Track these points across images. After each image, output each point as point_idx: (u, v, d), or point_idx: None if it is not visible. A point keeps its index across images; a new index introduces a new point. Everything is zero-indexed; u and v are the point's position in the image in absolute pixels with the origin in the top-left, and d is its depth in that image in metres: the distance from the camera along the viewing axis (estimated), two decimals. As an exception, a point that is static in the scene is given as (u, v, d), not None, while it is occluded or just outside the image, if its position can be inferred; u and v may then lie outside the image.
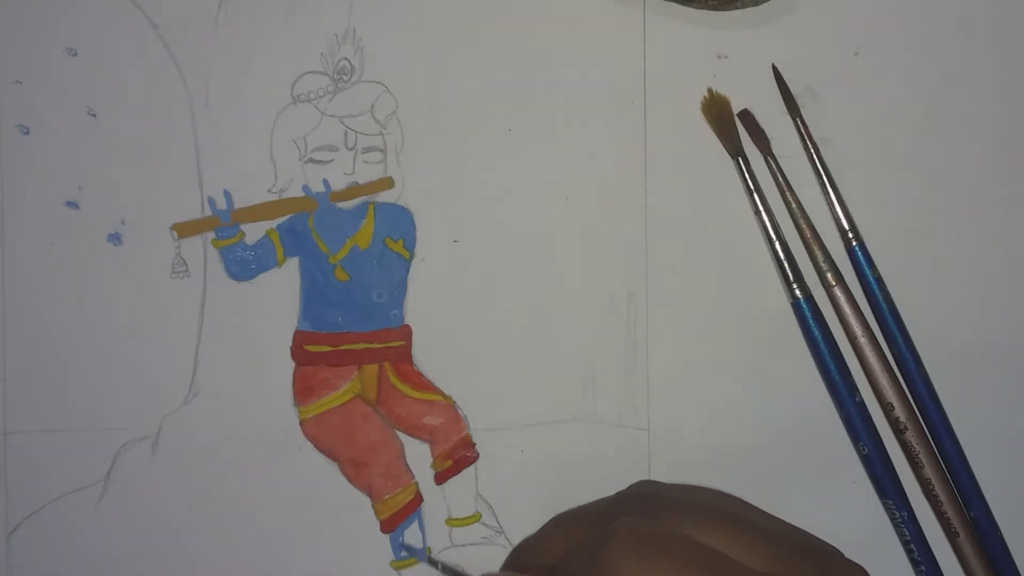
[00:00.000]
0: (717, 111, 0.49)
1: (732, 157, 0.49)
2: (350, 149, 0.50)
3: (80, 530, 0.49)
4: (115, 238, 0.49)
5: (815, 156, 0.49)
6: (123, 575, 0.49)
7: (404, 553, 0.49)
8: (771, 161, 0.49)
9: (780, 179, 0.49)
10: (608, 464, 0.49)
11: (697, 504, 0.42)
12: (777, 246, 0.48)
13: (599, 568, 0.39)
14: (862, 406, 0.48)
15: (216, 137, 0.49)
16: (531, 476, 0.49)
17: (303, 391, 0.49)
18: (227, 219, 0.49)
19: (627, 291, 0.50)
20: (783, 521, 0.42)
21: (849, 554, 0.41)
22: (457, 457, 0.49)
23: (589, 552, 0.40)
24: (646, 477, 0.49)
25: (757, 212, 0.49)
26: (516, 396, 0.49)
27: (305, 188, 0.49)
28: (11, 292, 0.49)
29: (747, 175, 0.49)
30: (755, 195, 0.49)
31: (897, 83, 0.50)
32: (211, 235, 0.49)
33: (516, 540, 0.49)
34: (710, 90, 0.49)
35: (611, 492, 0.46)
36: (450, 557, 0.49)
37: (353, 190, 0.50)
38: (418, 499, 0.49)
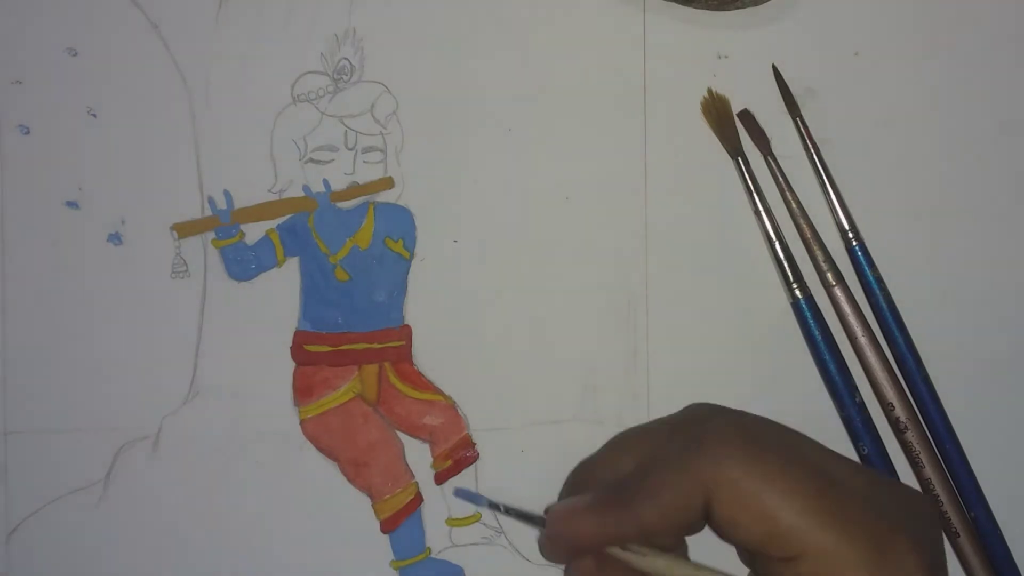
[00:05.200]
0: (717, 111, 0.49)
1: (732, 157, 0.49)
2: (350, 149, 0.50)
3: (80, 530, 0.49)
4: (115, 238, 0.49)
5: (815, 156, 0.49)
6: (123, 575, 0.49)
7: (461, 499, 0.48)
8: (771, 161, 0.49)
9: (780, 179, 0.49)
10: (608, 464, 0.49)
11: (771, 421, 0.40)
12: (777, 246, 0.48)
13: (701, 458, 0.37)
14: (862, 406, 0.48)
15: (216, 137, 0.49)
16: (531, 476, 0.49)
17: (303, 391, 0.49)
18: (227, 219, 0.49)
19: (627, 291, 0.50)
20: None
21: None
22: (457, 457, 0.49)
23: (688, 443, 0.37)
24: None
25: (757, 212, 0.49)
26: (516, 396, 0.49)
27: (305, 188, 0.49)
28: (11, 292, 0.49)
29: (747, 175, 0.49)
30: (755, 195, 0.49)
31: (897, 83, 0.50)
32: (211, 235, 0.49)
33: (516, 540, 0.49)
34: (710, 90, 0.49)
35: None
36: (452, 556, 0.49)
37: (353, 190, 0.50)
38: (418, 499, 0.49)
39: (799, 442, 0.38)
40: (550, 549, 0.41)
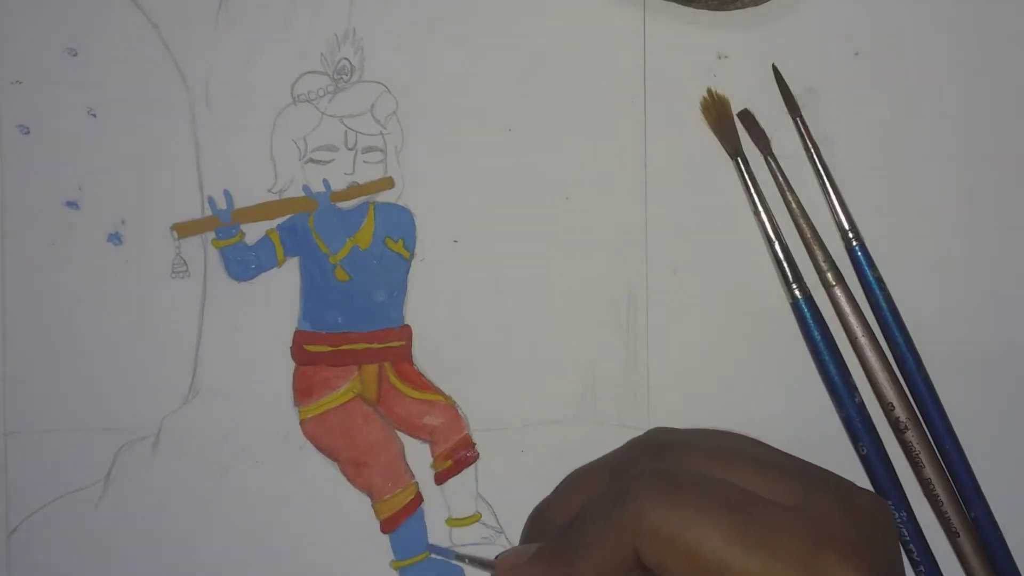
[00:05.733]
0: (716, 111, 0.49)
1: (731, 158, 0.49)
2: (350, 149, 0.50)
3: (80, 530, 0.49)
4: (115, 238, 0.49)
5: (815, 156, 0.49)
6: (123, 575, 0.49)
7: (434, 556, 0.49)
8: (771, 161, 0.49)
9: (780, 179, 0.49)
10: (608, 464, 0.49)
11: (714, 445, 0.42)
12: (776, 246, 0.48)
13: (624, 511, 0.39)
14: (861, 406, 0.48)
15: (216, 137, 0.49)
16: (531, 476, 0.49)
17: (303, 391, 0.49)
18: (227, 219, 0.49)
19: (627, 291, 0.49)
20: (797, 458, 0.43)
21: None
22: (457, 457, 0.49)
23: (613, 496, 0.40)
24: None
25: (756, 212, 0.49)
26: (516, 396, 0.49)
27: (305, 188, 0.49)
28: (11, 292, 0.49)
29: (746, 175, 0.49)
30: (754, 195, 0.49)
31: (897, 83, 0.50)
32: (211, 235, 0.49)
33: (516, 540, 0.49)
34: (709, 90, 0.49)
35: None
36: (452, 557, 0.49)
37: (353, 190, 0.50)
38: (418, 499, 0.49)
39: (716, 481, 0.40)
40: None
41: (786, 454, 0.43)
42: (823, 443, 0.49)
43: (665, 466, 0.41)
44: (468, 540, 0.49)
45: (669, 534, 0.38)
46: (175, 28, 0.49)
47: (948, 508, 0.48)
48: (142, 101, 0.49)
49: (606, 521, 0.39)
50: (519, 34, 0.49)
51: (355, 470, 0.49)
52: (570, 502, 0.44)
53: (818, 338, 0.48)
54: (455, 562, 0.49)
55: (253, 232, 0.49)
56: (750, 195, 0.49)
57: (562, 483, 0.45)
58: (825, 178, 0.49)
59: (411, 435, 0.50)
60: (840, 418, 0.48)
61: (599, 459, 0.46)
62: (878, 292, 0.48)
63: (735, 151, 0.49)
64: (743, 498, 0.39)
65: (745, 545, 0.37)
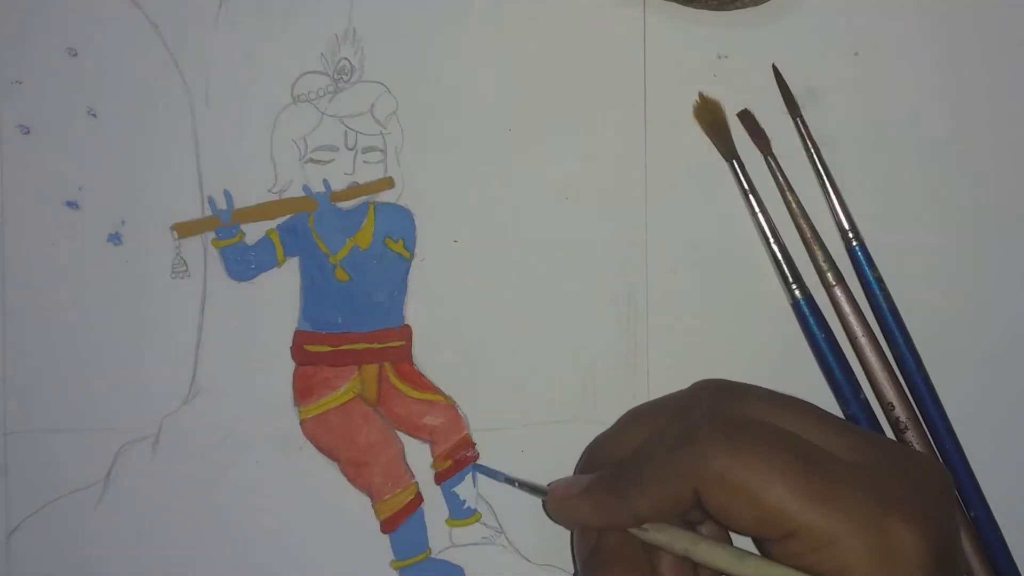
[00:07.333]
0: (709, 116, 0.49)
1: (726, 160, 0.49)
2: (350, 149, 0.50)
3: (80, 530, 0.49)
4: (115, 238, 0.49)
5: (815, 156, 0.49)
6: (123, 575, 0.49)
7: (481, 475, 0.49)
8: (771, 161, 0.49)
9: (780, 179, 0.49)
10: (608, 464, 0.49)
11: (780, 397, 0.42)
12: (775, 247, 0.48)
13: (690, 453, 0.39)
14: (866, 404, 0.48)
15: (216, 137, 0.49)
16: (531, 476, 0.49)
17: (303, 391, 0.49)
18: (227, 219, 0.49)
19: (627, 291, 0.50)
20: (856, 424, 0.43)
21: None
22: (457, 457, 0.49)
23: (679, 438, 0.40)
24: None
25: (754, 214, 0.49)
26: (516, 396, 0.49)
27: (305, 188, 0.49)
28: (11, 292, 0.49)
29: (742, 178, 0.49)
30: (751, 198, 0.49)
31: (897, 83, 0.50)
32: (211, 235, 0.49)
33: (516, 540, 0.49)
34: (701, 95, 0.49)
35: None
36: (452, 556, 0.49)
37: (353, 190, 0.50)
38: (418, 499, 0.49)
39: (783, 432, 0.40)
40: (553, 520, 0.45)
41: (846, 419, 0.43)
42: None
43: (733, 412, 0.41)
44: (468, 540, 0.49)
45: (734, 481, 0.38)
46: (175, 28, 0.49)
47: (948, 508, 0.48)
48: (142, 101, 0.49)
49: (670, 461, 0.39)
50: (519, 34, 0.49)
51: (355, 470, 0.49)
52: (629, 438, 0.44)
53: (820, 337, 0.48)
54: (504, 483, 0.48)
55: (253, 232, 0.49)
56: (747, 198, 0.49)
57: (621, 419, 0.46)
58: (825, 178, 0.49)
59: (411, 435, 0.50)
60: (844, 417, 0.48)
61: (662, 398, 0.46)
62: (878, 292, 0.48)
63: (730, 154, 0.49)
64: (809, 450, 0.39)
65: (809, 496, 0.37)
